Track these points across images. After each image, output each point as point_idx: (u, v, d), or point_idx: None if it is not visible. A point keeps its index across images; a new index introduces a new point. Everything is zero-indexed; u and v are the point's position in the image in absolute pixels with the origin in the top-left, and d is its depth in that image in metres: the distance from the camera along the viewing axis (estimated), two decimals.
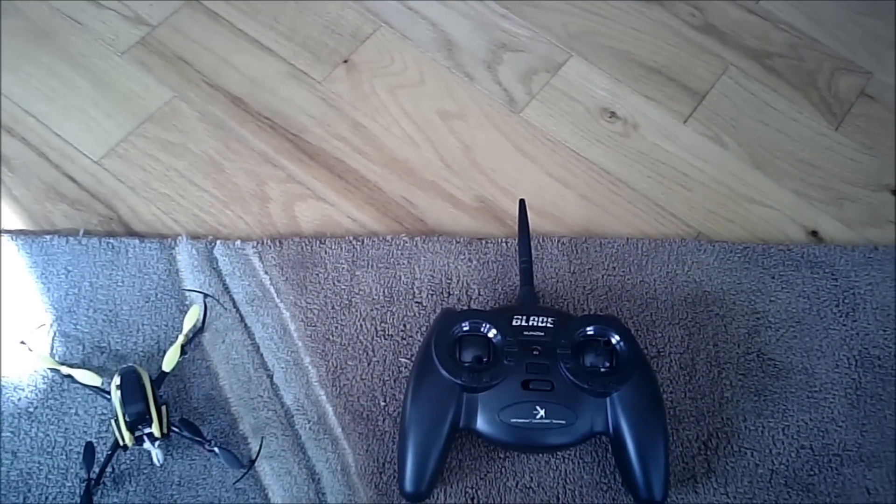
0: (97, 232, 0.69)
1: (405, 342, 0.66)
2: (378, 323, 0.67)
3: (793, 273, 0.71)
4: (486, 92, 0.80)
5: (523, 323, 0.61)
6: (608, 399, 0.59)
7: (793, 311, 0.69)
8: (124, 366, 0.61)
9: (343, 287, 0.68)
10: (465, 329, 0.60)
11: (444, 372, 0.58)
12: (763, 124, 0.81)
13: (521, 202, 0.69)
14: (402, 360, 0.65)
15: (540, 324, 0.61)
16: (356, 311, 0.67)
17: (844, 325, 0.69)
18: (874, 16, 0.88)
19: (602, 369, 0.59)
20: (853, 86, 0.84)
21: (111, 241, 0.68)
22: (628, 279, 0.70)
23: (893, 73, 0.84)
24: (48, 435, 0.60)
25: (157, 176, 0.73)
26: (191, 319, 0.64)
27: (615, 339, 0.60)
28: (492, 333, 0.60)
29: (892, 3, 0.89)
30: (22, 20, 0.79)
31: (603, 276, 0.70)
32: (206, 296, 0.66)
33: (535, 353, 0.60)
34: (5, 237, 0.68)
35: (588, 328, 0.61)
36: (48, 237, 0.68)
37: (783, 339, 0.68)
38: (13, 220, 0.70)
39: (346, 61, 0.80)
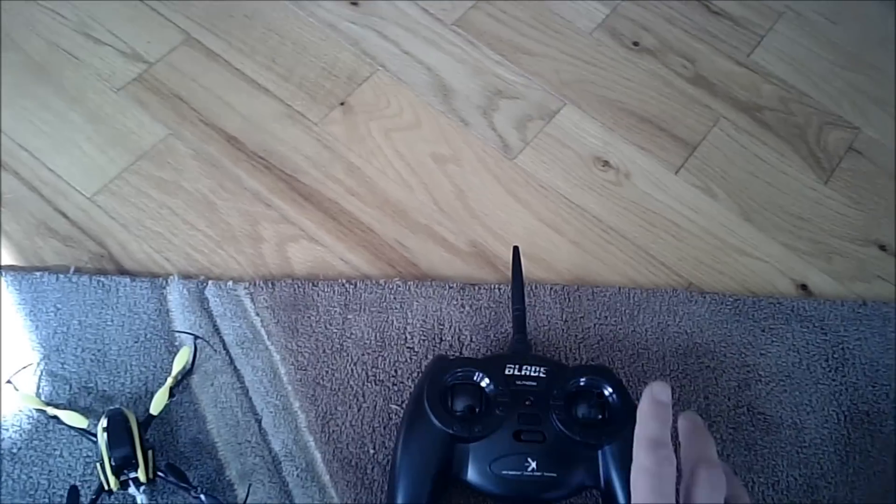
0: (88, 269, 0.69)
1: (396, 388, 0.66)
2: (369, 368, 0.66)
3: (783, 326, 0.72)
4: (481, 137, 0.81)
5: (516, 372, 0.61)
6: (600, 452, 0.58)
7: (783, 365, 0.70)
8: (111, 408, 0.60)
9: (335, 331, 0.68)
10: (457, 377, 0.60)
11: (435, 421, 0.58)
12: (753, 176, 0.81)
13: (515, 249, 0.69)
14: (393, 406, 0.65)
15: (533, 373, 0.61)
16: (347, 355, 0.67)
17: (834, 380, 0.69)
18: (858, 71, 0.90)
19: (595, 421, 0.59)
20: (842, 140, 0.85)
21: (102, 279, 0.67)
22: (620, 329, 0.70)
23: (879, 129, 0.86)
24: (31, 477, 0.59)
25: (149, 214, 0.72)
26: (180, 361, 0.63)
27: (608, 390, 0.60)
28: (484, 382, 0.60)
29: (874, 59, 0.91)
30: (19, 54, 0.79)
31: (595, 325, 0.70)
32: (196, 337, 0.65)
33: (527, 403, 0.59)
34: None
35: (581, 379, 0.60)
36: (38, 274, 0.67)
37: (773, 393, 0.68)
38: (2, 256, 0.69)
39: (342, 103, 0.81)
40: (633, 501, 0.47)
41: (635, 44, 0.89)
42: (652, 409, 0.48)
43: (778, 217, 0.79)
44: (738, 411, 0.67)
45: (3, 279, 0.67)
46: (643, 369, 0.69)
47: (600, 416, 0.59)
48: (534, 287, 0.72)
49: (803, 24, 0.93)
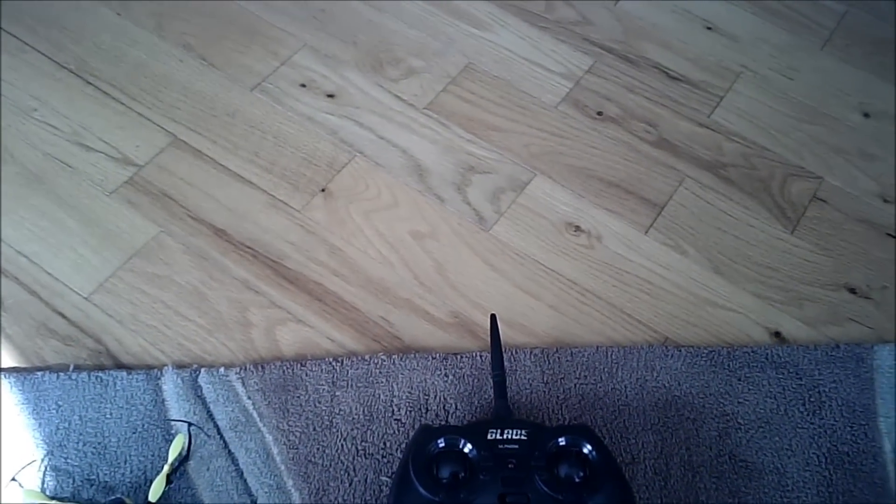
0: (87, 366, 0.72)
1: (385, 460, 0.68)
2: (359, 442, 0.69)
3: (758, 374, 0.74)
4: (457, 212, 0.84)
5: (498, 436, 0.63)
6: None
7: (761, 412, 0.72)
8: (112, 498, 0.62)
9: (324, 408, 0.70)
10: (441, 446, 0.62)
11: (422, 490, 0.60)
12: (721, 231, 0.85)
13: (493, 317, 0.72)
14: (384, 478, 0.67)
15: (514, 436, 0.63)
16: (337, 431, 0.69)
17: (812, 423, 0.71)
18: (816, 123, 0.94)
19: (577, 479, 0.61)
20: (805, 190, 0.88)
21: (100, 374, 0.71)
22: (600, 387, 0.73)
23: (841, 177, 0.89)
24: None
25: (143, 309, 0.76)
26: (176, 449, 0.66)
27: (587, 448, 0.62)
28: (467, 449, 0.62)
29: (830, 110, 0.95)
30: (16, 166, 0.84)
31: (575, 385, 0.73)
32: (190, 424, 0.68)
33: (510, 466, 0.61)
34: None
35: (560, 439, 0.63)
36: (39, 374, 0.70)
37: (754, 440, 0.70)
38: (5, 359, 0.72)
39: (323, 190, 0.85)
40: None
41: (599, 113, 0.93)
42: None
43: (748, 268, 0.82)
44: (721, 460, 0.69)
45: (6, 381, 0.70)
46: (625, 425, 0.71)
47: (582, 474, 0.61)
48: (514, 352, 0.74)
49: (760, 82, 0.98)
